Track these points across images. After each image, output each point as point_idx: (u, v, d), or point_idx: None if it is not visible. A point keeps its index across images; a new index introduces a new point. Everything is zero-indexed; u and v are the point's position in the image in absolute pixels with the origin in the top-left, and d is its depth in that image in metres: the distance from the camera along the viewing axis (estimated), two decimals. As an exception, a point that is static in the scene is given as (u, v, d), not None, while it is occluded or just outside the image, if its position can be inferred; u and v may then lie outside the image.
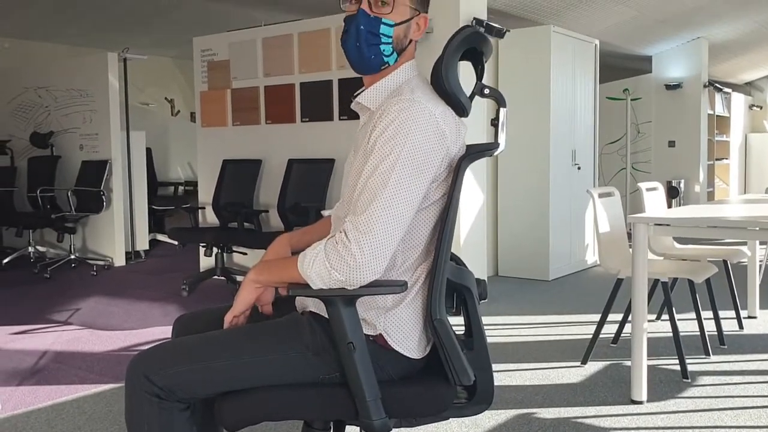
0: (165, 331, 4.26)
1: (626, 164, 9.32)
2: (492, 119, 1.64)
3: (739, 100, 11.51)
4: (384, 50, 1.59)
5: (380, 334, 1.55)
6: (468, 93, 1.63)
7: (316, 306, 1.59)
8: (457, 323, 1.59)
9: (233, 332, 1.61)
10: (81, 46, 8.74)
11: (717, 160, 10.28)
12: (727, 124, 10.84)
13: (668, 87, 9.11)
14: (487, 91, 1.62)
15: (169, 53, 9.76)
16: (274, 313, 1.65)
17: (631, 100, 9.30)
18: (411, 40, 1.63)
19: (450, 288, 1.59)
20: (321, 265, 1.43)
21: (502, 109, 1.63)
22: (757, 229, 2.97)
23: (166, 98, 9.97)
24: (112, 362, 3.69)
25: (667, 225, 2.98)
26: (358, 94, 1.67)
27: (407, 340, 1.56)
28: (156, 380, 1.50)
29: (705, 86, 9.10)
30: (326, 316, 1.52)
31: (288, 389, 1.54)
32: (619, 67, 9.69)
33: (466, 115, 1.63)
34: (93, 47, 8.58)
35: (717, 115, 10.10)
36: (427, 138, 1.47)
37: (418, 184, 1.46)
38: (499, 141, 1.61)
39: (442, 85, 1.58)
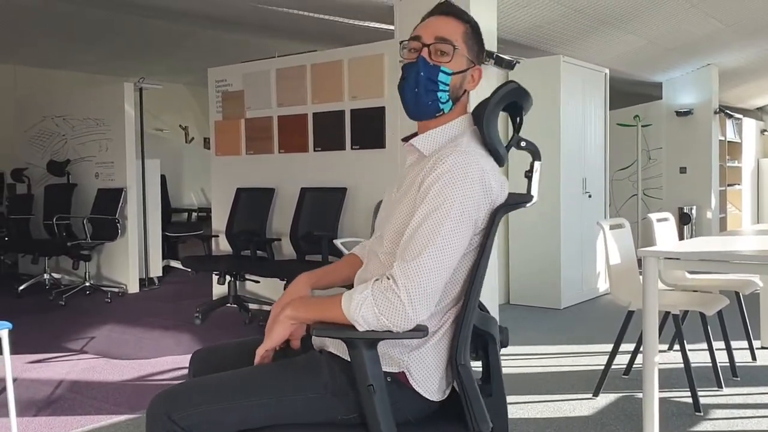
0: (178, 361, 4.30)
1: (638, 190, 9.33)
2: (526, 171, 1.67)
3: (750, 125, 11.51)
4: (441, 97, 1.65)
5: (403, 372, 1.58)
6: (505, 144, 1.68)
7: (336, 347, 1.63)
8: (474, 366, 1.61)
9: (254, 372, 1.64)
10: (98, 73, 8.90)
11: (729, 185, 10.26)
12: (738, 150, 10.84)
13: (679, 114, 9.14)
14: (523, 144, 1.68)
15: (184, 80, 9.91)
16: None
17: (642, 126, 9.33)
18: (465, 90, 1.70)
19: (473, 333, 1.61)
20: (368, 310, 1.47)
21: (536, 162, 1.67)
22: (768, 263, 2.98)
23: (180, 126, 10.10)
24: (127, 392, 3.72)
25: (677, 259, 2.99)
26: (411, 137, 1.72)
27: (428, 381, 1.59)
28: (178, 420, 1.52)
29: (716, 113, 9.12)
30: (345, 357, 1.56)
31: (306, 428, 1.58)
32: (629, 93, 9.73)
33: (502, 166, 1.67)
34: (109, 74, 8.74)
35: (728, 141, 10.11)
36: (476, 192, 1.52)
37: (464, 234, 1.52)
38: (533, 193, 1.65)
39: (483, 136, 1.63)
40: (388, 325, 1.47)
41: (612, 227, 3.64)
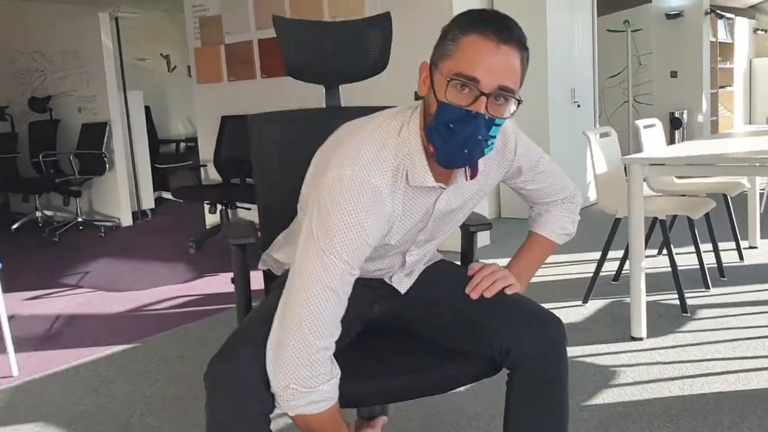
0: (174, 290, 4.34)
1: (628, 97, 9.25)
2: None
3: (743, 24, 11.29)
4: (485, 151, 1.38)
5: None
6: None
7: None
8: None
9: None
10: (71, 3, 8.60)
11: (720, 87, 10.15)
12: (730, 51, 10.67)
13: (669, 16, 8.95)
14: None
15: (162, 6, 9.61)
16: None
17: (632, 31, 9.16)
18: None
19: None
20: (573, 221, 1.80)
21: None
22: (757, 165, 2.96)
23: (161, 54, 9.88)
24: (123, 323, 3.78)
25: (662, 165, 2.99)
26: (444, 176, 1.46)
27: None
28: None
29: (706, 13, 8.94)
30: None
31: None
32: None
33: None
34: (83, 4, 8.45)
35: (720, 42, 9.94)
36: None
37: None
38: None
39: None
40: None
41: (598, 136, 3.61)
